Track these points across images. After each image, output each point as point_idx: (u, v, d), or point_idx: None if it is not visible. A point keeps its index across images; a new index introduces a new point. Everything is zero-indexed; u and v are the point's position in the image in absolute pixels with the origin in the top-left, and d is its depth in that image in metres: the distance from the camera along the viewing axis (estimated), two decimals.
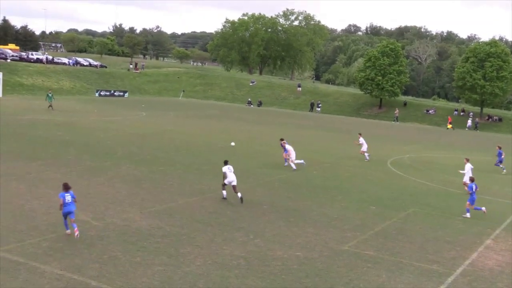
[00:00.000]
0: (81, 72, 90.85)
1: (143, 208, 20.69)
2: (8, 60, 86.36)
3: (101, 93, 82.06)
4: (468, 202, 23.40)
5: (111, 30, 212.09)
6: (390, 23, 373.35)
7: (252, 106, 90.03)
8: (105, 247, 16.03)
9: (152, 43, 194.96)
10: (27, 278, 13.44)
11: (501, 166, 37.52)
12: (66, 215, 16.77)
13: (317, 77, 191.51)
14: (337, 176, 31.28)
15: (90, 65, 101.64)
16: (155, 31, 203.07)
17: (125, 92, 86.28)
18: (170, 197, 22.89)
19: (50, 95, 55.71)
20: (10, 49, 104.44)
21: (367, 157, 37.78)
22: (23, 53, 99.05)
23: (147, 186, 24.46)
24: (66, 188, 16.78)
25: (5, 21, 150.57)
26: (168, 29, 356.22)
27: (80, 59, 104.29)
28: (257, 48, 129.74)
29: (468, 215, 23.18)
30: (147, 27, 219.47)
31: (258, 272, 15.06)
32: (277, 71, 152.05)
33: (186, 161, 31.90)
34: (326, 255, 17.01)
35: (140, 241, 16.84)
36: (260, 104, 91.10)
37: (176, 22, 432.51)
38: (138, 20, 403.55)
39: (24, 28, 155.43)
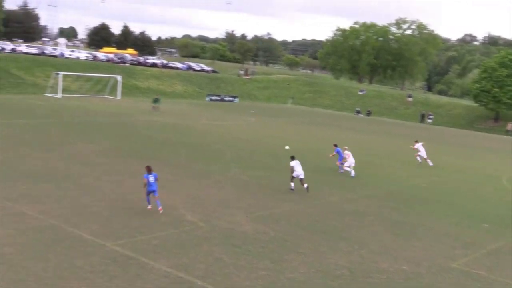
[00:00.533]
0: (194, 77, 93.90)
1: (249, 212, 21.00)
2: (127, 64, 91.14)
3: (212, 97, 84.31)
4: None
5: (223, 37, 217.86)
6: (510, 33, 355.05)
7: (360, 115, 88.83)
8: (211, 249, 16.42)
9: (262, 50, 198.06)
10: (137, 273, 14.05)
11: None
12: (149, 193, 19.48)
13: (429, 88, 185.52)
14: (446, 191, 30.13)
15: (202, 70, 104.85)
16: (266, 38, 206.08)
17: (235, 97, 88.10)
18: (276, 202, 23.07)
19: (156, 98, 58.25)
20: (128, 53, 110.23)
21: (419, 160, 37.98)
22: (140, 58, 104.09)
23: (254, 191, 24.81)
24: (149, 170, 19.44)
25: (125, 27, 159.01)
26: (278, 36, 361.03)
27: (192, 64, 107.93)
28: (367, 57, 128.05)
29: None
30: (258, 34, 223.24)
31: (362, 284, 14.81)
32: (387, 80, 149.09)
33: None
34: (433, 272, 16.41)
35: (245, 245, 17.09)
36: (369, 113, 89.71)
37: (287, 29, 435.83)
38: (250, 27, 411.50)
39: (142, 34, 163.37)
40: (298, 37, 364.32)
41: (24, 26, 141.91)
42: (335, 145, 32.14)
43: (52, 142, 32.75)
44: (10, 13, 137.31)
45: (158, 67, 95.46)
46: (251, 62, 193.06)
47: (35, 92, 62.09)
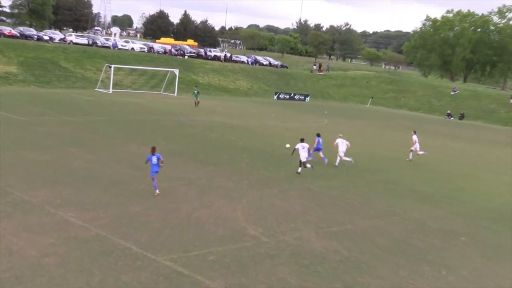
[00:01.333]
0: (260, 72, 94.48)
1: (319, 228, 20.87)
2: (186, 57, 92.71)
3: (280, 96, 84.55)
4: None
5: (295, 27, 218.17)
6: None
7: (452, 118, 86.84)
8: (274, 268, 16.41)
9: (339, 42, 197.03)
10: None
11: None
12: (153, 177, 22.44)
13: None
14: None
15: (270, 64, 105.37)
16: (344, 28, 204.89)
17: (306, 96, 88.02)
18: (349, 217, 22.84)
19: (196, 92, 58.96)
20: (188, 45, 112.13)
21: (410, 157, 38.80)
22: (201, 50, 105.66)
23: (324, 203, 24.66)
24: (153, 151, 22.40)
25: (185, 15, 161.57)
26: (358, 27, 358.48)
27: (259, 58, 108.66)
28: (462, 51, 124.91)
29: None
30: (335, 24, 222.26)
31: None
32: (486, 78, 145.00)
33: (370, 177, 31.64)
34: None
35: (313, 265, 16.98)
36: (462, 116, 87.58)
37: (367, 19, 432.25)
38: (325, 16, 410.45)
39: (204, 23, 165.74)
40: (380, 28, 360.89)
41: (75, 13, 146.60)
42: (318, 134, 34.75)
43: (102, 142, 33.69)
44: None
45: (220, 61, 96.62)
46: (326, 56, 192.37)
47: (84, 86, 64.12)
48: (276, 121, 54.47)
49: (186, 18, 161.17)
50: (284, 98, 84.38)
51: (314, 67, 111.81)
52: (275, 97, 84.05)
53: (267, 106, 69.25)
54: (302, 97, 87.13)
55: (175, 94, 69.24)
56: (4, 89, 55.48)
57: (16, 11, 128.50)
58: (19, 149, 29.19)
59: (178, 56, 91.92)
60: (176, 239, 17.97)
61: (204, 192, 24.29)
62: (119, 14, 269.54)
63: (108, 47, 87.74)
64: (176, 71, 71.35)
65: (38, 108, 44.57)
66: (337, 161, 34.26)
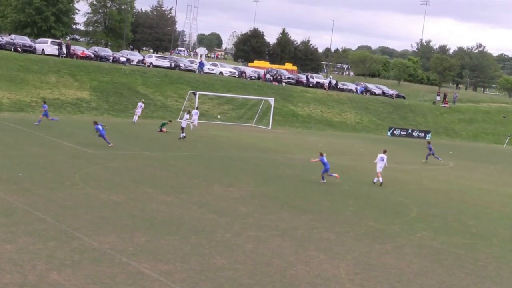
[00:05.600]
0: (371, 103, 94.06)
1: None
2: (283, 83, 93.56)
3: (395, 131, 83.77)
4: None
5: (415, 49, 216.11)
6: None
7: None
8: None
9: (469, 68, 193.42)
10: None
11: None
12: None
13: None
14: None
15: (384, 94, 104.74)
16: (475, 51, 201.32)
17: (427, 132, 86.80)
18: (480, 283, 22.10)
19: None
20: (286, 69, 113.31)
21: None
22: (301, 75, 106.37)
23: (448, 264, 24.01)
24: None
25: (283, 34, 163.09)
26: (494, 49, 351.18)
27: (370, 86, 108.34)
28: None
29: None
30: (464, 46, 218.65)
31: None
32: None
33: (504, 234, 30.61)
34: None
35: None
36: None
37: (506, 40, 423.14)
38: (452, 36, 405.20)
39: (305, 43, 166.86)
40: None
41: (156, 32, 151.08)
42: (321, 153, 39.25)
43: (182, 182, 34.33)
44: (141, 15, 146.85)
45: (323, 89, 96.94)
46: (453, 85, 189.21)
47: (164, 116, 65.74)
48: (389, 161, 53.85)
49: (284, 37, 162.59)
50: (400, 135, 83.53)
51: (438, 98, 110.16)
52: (389, 133, 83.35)
53: (379, 144, 68.62)
54: (422, 134, 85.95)
55: (269, 127, 69.85)
56: (75, 117, 57.81)
57: (91, 28, 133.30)
58: (87, 187, 30.19)
59: (273, 83, 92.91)
60: None
61: (301, 244, 24.18)
62: (207, 33, 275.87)
63: (193, 71, 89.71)
64: (271, 100, 72.03)
65: (111, 140, 46.01)
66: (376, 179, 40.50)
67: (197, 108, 63.32)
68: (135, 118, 59.65)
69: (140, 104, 61.69)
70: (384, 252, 24.58)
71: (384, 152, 41.49)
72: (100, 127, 43.02)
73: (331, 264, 21.75)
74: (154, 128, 55.95)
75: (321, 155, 39.06)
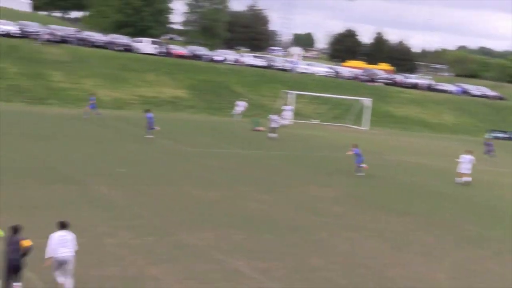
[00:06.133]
0: (470, 105, 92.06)
1: None
2: (378, 84, 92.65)
3: (496, 134, 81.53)
4: None
5: None
6: None
7: None
8: None
9: None
10: None
11: None
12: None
13: None
14: None
15: (484, 95, 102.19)
16: None
17: None
18: None
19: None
20: (381, 69, 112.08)
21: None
22: (397, 76, 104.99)
23: None
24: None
25: (379, 34, 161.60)
26: None
27: (469, 87, 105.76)
28: None
29: None
30: None
31: None
32: None
33: None
34: None
35: None
36: None
37: None
38: None
39: (401, 43, 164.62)
40: None
41: (251, 31, 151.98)
42: (355, 145, 39.52)
43: (277, 181, 34.42)
44: (235, 15, 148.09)
45: (420, 89, 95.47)
46: None
47: (260, 114, 65.94)
48: (488, 165, 52.52)
49: (380, 37, 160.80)
50: (502, 138, 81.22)
51: None
52: (489, 135, 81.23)
53: (477, 147, 67.07)
54: None
55: (366, 128, 69.25)
56: (171, 115, 58.71)
57: (188, 28, 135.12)
58: (184, 184, 30.65)
59: (369, 83, 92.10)
60: None
61: (397, 247, 23.86)
62: (301, 32, 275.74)
63: (287, 70, 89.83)
64: (367, 101, 71.39)
65: (207, 138, 46.58)
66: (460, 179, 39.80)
67: (288, 106, 63.64)
68: (237, 113, 61.12)
69: (242, 103, 62.86)
70: (485, 257, 23.99)
71: (469, 152, 41.12)
72: (151, 115, 44.18)
73: (429, 268, 21.37)
74: (250, 126, 56.28)
75: (355, 146, 39.29)
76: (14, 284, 15.16)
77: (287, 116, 62.88)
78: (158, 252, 20.06)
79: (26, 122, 45.01)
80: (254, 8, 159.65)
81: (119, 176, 30.76)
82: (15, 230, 15.37)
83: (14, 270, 15.17)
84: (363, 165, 38.90)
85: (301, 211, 27.81)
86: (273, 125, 51.22)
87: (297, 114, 66.94)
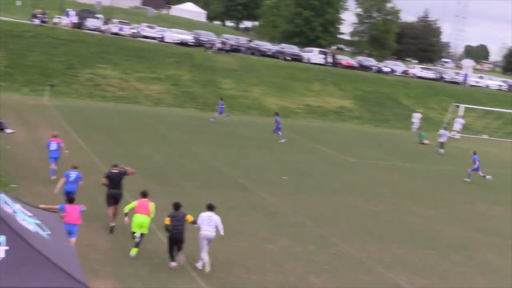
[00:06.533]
0: None
1: None
2: None
3: None
4: None
5: None
6: None
7: None
8: None
9: None
10: None
11: None
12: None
13: None
14: None
15: None
16: None
17: None
18: None
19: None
20: None
21: None
22: None
23: None
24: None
25: None
26: None
27: None
28: None
29: None
30: None
31: None
32: None
33: None
34: None
35: None
36: None
37: None
38: None
39: None
40: None
41: (421, 43, 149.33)
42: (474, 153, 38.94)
43: (442, 196, 33.57)
44: (406, 26, 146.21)
45: None
46: None
47: (426, 127, 64.52)
48: None
49: None
50: None
51: None
52: None
53: None
54: None
55: None
56: (337, 125, 58.74)
57: (356, 38, 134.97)
58: (347, 194, 30.59)
59: None
60: None
61: None
62: (474, 44, 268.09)
63: (458, 83, 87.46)
64: None
65: (372, 150, 46.16)
66: None
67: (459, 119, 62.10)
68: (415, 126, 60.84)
69: (417, 115, 62.44)
70: None
71: None
72: (278, 119, 44.59)
73: None
74: (416, 139, 55.26)
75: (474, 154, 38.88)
76: (171, 263, 17.97)
77: (457, 130, 61.23)
78: (318, 261, 20.15)
79: (195, 126, 46.46)
80: (426, 19, 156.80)
81: (281, 183, 31.12)
82: (177, 206, 18.30)
83: (178, 242, 17.91)
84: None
85: (466, 229, 27.00)
86: (442, 139, 49.92)
87: (466, 129, 64.89)
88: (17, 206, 12.34)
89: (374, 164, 40.61)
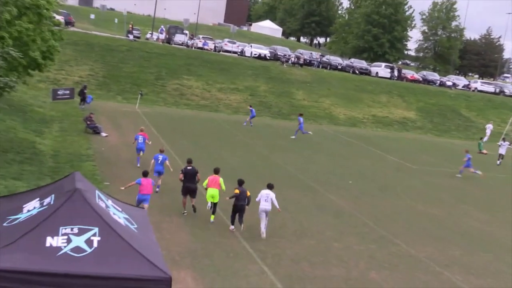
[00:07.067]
0: None
1: None
2: None
3: None
4: None
5: None
6: None
7: None
8: None
9: None
10: None
11: None
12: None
13: None
14: None
15: None
16: None
17: None
18: None
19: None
20: None
21: None
22: None
23: None
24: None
25: None
26: None
27: None
28: None
29: None
30: None
31: None
32: None
33: None
34: None
35: None
36: None
37: None
38: None
39: None
40: None
41: (483, 58, 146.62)
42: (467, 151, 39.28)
43: (498, 202, 33.11)
44: (469, 43, 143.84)
45: None
46: None
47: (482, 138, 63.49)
48: None
49: None
50: None
51: None
52: None
53: None
54: None
55: None
56: (400, 135, 58.28)
57: (421, 54, 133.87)
58: (408, 198, 30.32)
59: None
60: None
61: None
62: None
63: None
64: None
65: (433, 158, 45.62)
66: None
67: None
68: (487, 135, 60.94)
69: (489, 125, 61.81)
70: None
71: None
72: (301, 119, 45.54)
73: None
74: (475, 149, 54.32)
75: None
76: (231, 226, 20.92)
77: None
78: (379, 258, 20.11)
79: (270, 133, 46.73)
80: (488, 37, 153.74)
81: (348, 187, 31.08)
82: (241, 182, 21.20)
83: (240, 211, 20.76)
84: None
85: None
86: (501, 151, 48.91)
87: None
88: (109, 202, 12.81)
89: (434, 171, 40.13)
